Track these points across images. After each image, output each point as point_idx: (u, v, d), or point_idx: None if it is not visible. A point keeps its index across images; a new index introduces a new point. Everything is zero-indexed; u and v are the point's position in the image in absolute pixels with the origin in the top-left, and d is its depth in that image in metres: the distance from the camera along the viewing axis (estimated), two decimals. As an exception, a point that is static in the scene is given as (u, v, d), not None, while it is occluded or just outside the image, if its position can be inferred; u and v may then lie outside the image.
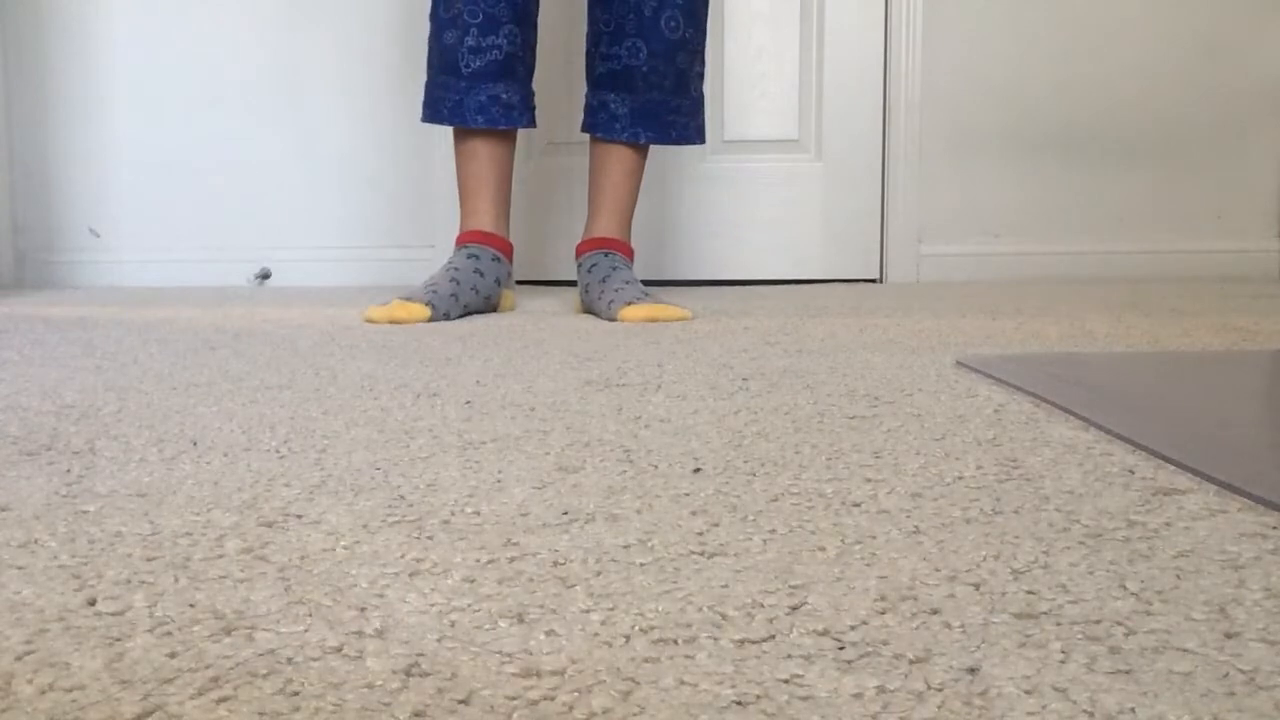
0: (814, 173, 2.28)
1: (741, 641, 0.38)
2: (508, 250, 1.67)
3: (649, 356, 1.11)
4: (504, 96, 1.60)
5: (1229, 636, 0.38)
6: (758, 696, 0.34)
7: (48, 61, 2.33)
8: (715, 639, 0.38)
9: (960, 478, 0.60)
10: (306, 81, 2.31)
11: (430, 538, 0.50)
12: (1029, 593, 0.42)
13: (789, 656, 0.37)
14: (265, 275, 2.33)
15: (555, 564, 0.46)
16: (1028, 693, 0.34)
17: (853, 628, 0.39)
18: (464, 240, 1.65)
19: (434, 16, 1.62)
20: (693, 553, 0.48)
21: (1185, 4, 2.24)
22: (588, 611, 0.41)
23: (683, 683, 0.35)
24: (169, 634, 0.39)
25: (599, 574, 0.45)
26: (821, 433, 0.73)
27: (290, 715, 0.32)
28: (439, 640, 0.38)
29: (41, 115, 2.34)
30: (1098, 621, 0.39)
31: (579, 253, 1.69)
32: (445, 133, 2.17)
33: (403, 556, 0.47)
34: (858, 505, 0.55)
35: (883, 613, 0.40)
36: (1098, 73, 2.25)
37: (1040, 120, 2.27)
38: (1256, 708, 0.32)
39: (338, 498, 0.57)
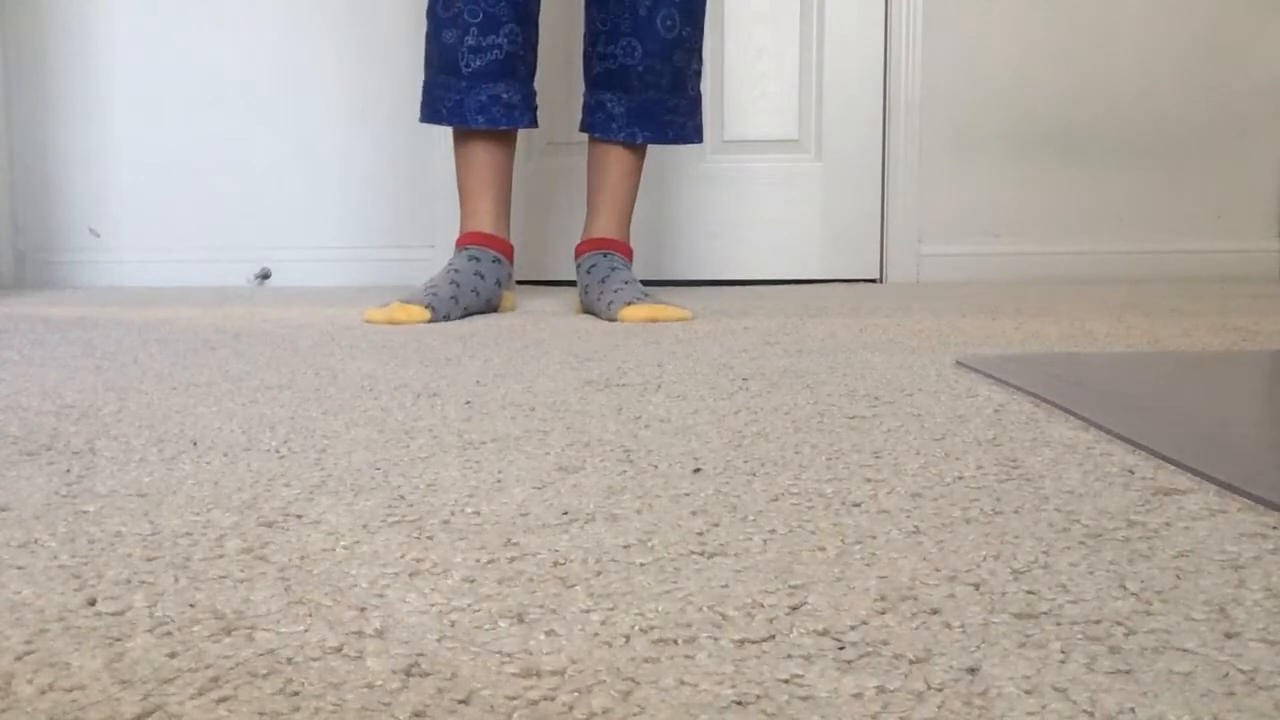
0: (814, 173, 2.28)
1: (741, 641, 0.38)
2: (508, 251, 1.67)
3: (649, 356, 1.11)
4: (505, 96, 1.60)
5: (1229, 636, 0.38)
6: (758, 696, 0.34)
7: (48, 61, 2.33)
8: (715, 639, 0.38)
9: (960, 478, 0.60)
10: (306, 81, 2.31)
11: (430, 538, 0.50)
12: (1029, 593, 0.42)
13: (789, 656, 0.37)
14: (265, 275, 2.33)
15: (555, 564, 0.46)
16: (1028, 693, 0.34)
17: (853, 628, 0.39)
18: (464, 241, 1.65)
19: (431, 15, 1.61)
20: (693, 553, 0.48)
21: (1185, 4, 2.24)
22: (588, 611, 0.41)
23: (683, 683, 0.35)
24: (169, 634, 0.39)
25: (599, 574, 0.45)
26: (821, 433, 0.73)
27: (290, 715, 0.32)
28: (439, 640, 0.38)
29: (41, 115, 2.34)
30: (1098, 621, 0.39)
31: (578, 253, 1.69)
32: (445, 132, 2.17)
33: (403, 556, 0.47)
34: (858, 505, 0.55)
35: (883, 613, 0.40)
36: (1098, 73, 2.25)
37: (1040, 120, 2.27)
38: (1256, 708, 0.32)
39: (338, 498, 0.57)
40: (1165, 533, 0.50)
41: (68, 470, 0.64)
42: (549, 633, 0.39)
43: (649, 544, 0.49)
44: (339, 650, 0.37)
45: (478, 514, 0.54)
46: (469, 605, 0.41)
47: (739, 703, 0.33)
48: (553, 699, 0.33)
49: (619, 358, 1.10)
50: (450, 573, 0.45)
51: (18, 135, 2.35)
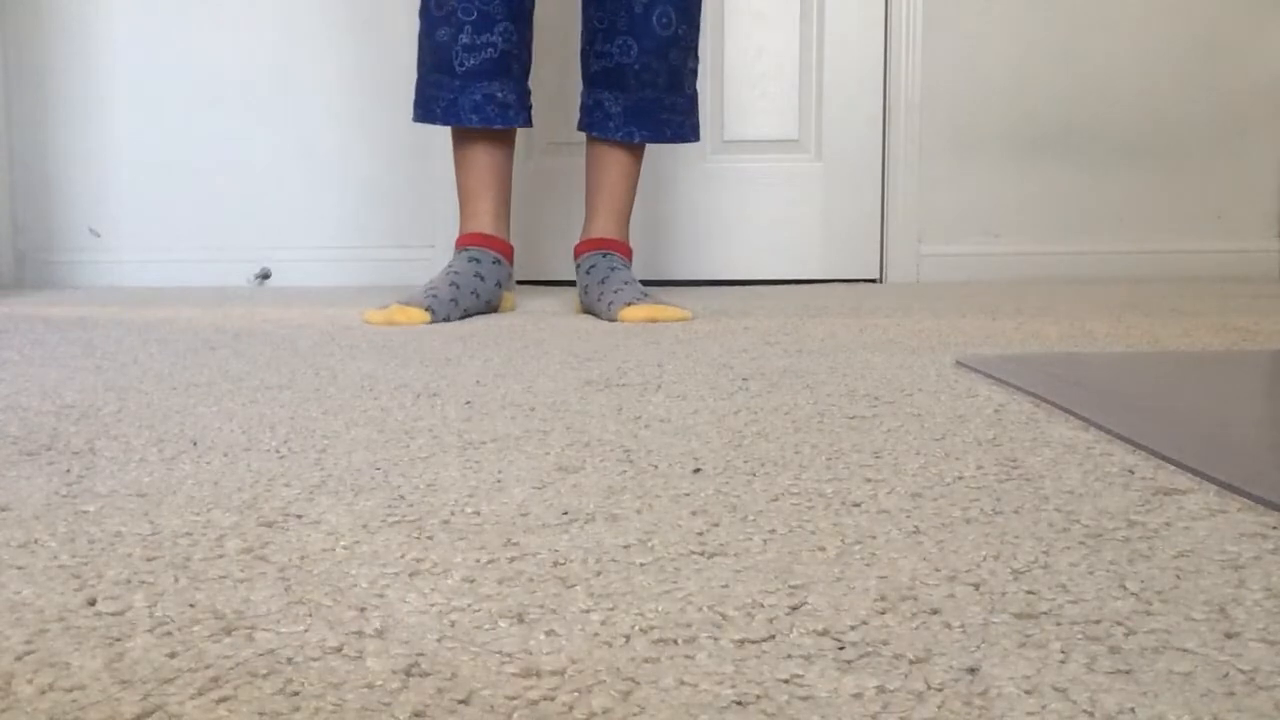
0: (814, 173, 2.28)
1: (741, 641, 0.38)
2: (508, 252, 1.66)
3: (649, 356, 1.11)
4: (499, 95, 1.59)
5: (1229, 636, 0.38)
6: (758, 696, 0.34)
7: (48, 61, 2.33)
8: (715, 639, 0.38)
9: (960, 478, 0.60)
10: (306, 81, 2.31)
11: (430, 538, 0.50)
12: (1029, 593, 0.42)
13: (789, 656, 0.37)
14: (265, 275, 2.33)
15: (555, 564, 0.46)
16: (1028, 693, 0.34)
17: (853, 628, 0.39)
18: (464, 243, 1.64)
19: (424, 14, 1.60)
20: (693, 553, 0.48)
21: (1185, 4, 2.24)
22: (588, 611, 0.41)
23: (683, 683, 0.35)
24: (169, 634, 0.39)
25: (599, 574, 0.45)
26: (821, 433, 0.73)
27: (290, 715, 0.32)
28: (439, 640, 0.38)
29: (41, 115, 2.34)
30: (1098, 621, 0.39)
31: (577, 253, 1.69)
32: (445, 132, 2.17)
33: (403, 556, 0.47)
34: (858, 505, 0.55)
35: (883, 613, 0.40)
36: (1098, 73, 2.26)
37: (1040, 120, 2.27)
38: (1256, 708, 0.32)
39: (338, 498, 0.57)
40: (1165, 533, 0.50)
41: (68, 470, 0.64)
42: (549, 633, 0.39)
43: (649, 544, 0.49)
44: (339, 650, 0.37)
45: (478, 514, 0.54)
46: (469, 605, 0.41)
47: (739, 703, 0.33)
48: (553, 699, 0.33)
49: (619, 358, 1.10)
50: (450, 573, 0.45)
51: (18, 135, 2.35)
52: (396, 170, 2.32)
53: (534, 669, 0.36)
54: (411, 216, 2.33)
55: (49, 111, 2.34)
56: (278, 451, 0.69)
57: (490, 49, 1.57)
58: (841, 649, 0.37)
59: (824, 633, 0.38)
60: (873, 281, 2.29)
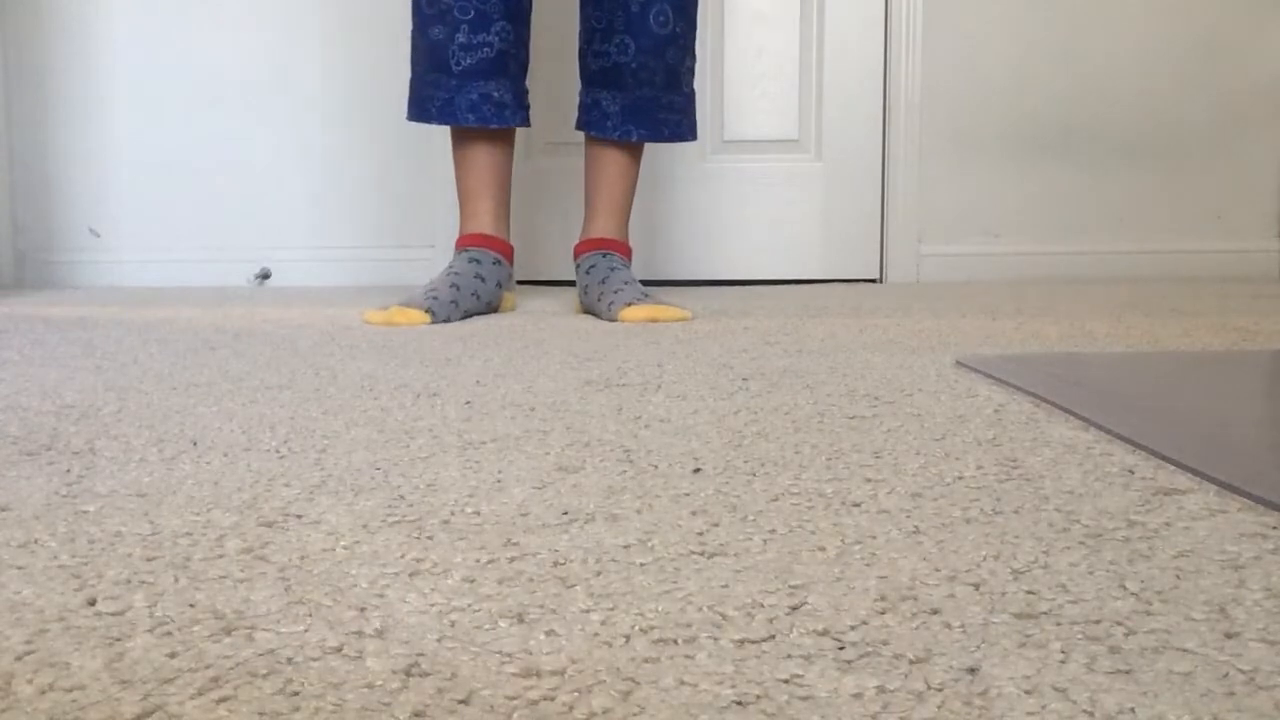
0: (814, 173, 2.28)
1: (741, 641, 0.38)
2: (508, 252, 1.66)
3: (649, 356, 1.11)
4: (496, 95, 1.59)
5: (1229, 636, 0.38)
6: (758, 696, 0.34)
7: (48, 61, 2.33)
8: (715, 639, 0.38)
9: (960, 478, 0.60)
10: (306, 81, 2.31)
11: (430, 538, 0.50)
12: (1029, 593, 0.42)
13: (789, 656, 0.37)
14: (265, 275, 2.33)
15: (555, 564, 0.46)
16: (1028, 693, 0.34)
17: (853, 628, 0.39)
18: (464, 243, 1.64)
19: (416, 12, 1.59)
20: (693, 553, 0.48)
21: (1185, 4, 2.24)
22: (588, 611, 0.41)
23: (683, 683, 0.35)
24: (169, 634, 0.39)
25: (599, 574, 0.45)
26: (821, 433, 0.73)
27: (290, 715, 0.32)
28: (439, 640, 0.38)
29: (41, 115, 2.34)
30: (1098, 621, 0.39)
31: (577, 253, 1.69)
32: (445, 132, 2.17)
33: (403, 556, 0.47)
34: (858, 505, 0.55)
35: (883, 613, 0.40)
36: (1098, 73, 2.26)
37: (1040, 120, 2.27)
38: (1256, 708, 0.32)
39: (338, 498, 0.57)
40: (1165, 533, 0.50)
41: (68, 470, 0.64)
42: (549, 633, 0.39)
43: (649, 544, 0.49)
44: (339, 650, 0.37)
45: (478, 514, 0.54)
46: (469, 605, 0.41)
47: (739, 703, 0.33)
48: (553, 699, 0.33)
49: (619, 358, 1.10)
50: (450, 573, 0.45)
51: (18, 135, 2.35)
52: (396, 170, 2.32)
53: (534, 669, 0.36)
54: (411, 216, 2.33)
55: (49, 111, 2.34)
56: (278, 451, 0.69)
57: (487, 48, 1.57)
58: (841, 649, 0.37)
59: (824, 633, 0.38)
60: (873, 281, 2.29)
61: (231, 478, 0.62)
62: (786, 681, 0.35)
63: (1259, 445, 0.66)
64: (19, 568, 0.46)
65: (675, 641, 0.38)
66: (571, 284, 2.27)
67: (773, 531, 0.51)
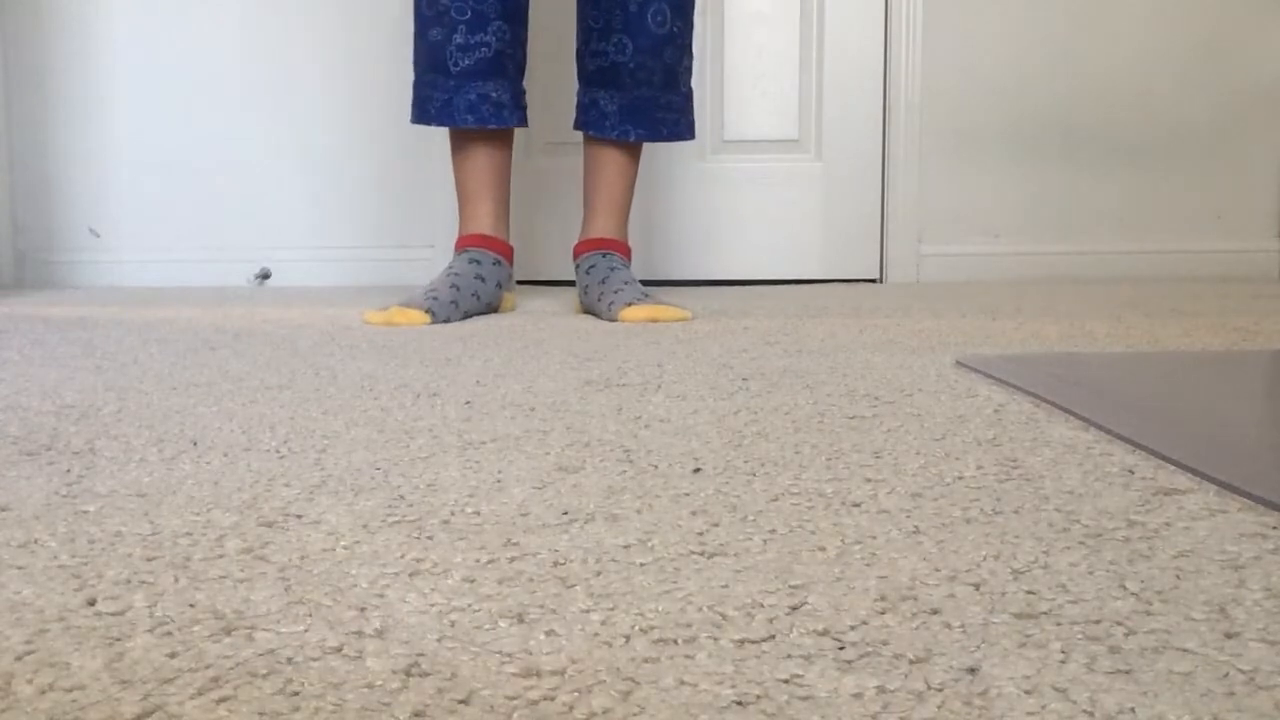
0: (814, 173, 2.28)
1: (741, 641, 0.38)
2: (508, 253, 1.66)
3: (649, 356, 1.11)
4: (494, 95, 1.59)
5: (1229, 636, 0.38)
6: (758, 696, 0.34)
7: (48, 61, 2.33)
8: (715, 639, 0.38)
9: (960, 478, 0.60)
10: (307, 81, 2.31)
11: (430, 538, 0.50)
12: (1029, 593, 0.42)
13: (789, 656, 0.37)
14: (265, 275, 2.33)
15: (555, 564, 0.46)
16: (1028, 693, 0.34)
17: (853, 628, 0.39)
18: (464, 244, 1.64)
19: (417, 14, 1.60)
20: (693, 553, 0.48)
21: (1185, 4, 2.24)
22: (588, 611, 0.41)
23: (683, 683, 0.35)
24: (169, 634, 0.39)
25: (599, 574, 0.45)
26: (821, 433, 0.73)
27: (290, 715, 0.32)
28: (439, 640, 0.38)
29: (41, 115, 2.34)
30: (1098, 621, 0.39)
31: (576, 253, 1.68)
32: (445, 132, 2.17)
33: (403, 556, 0.47)
34: (858, 505, 0.55)
35: (883, 613, 0.40)
36: (1098, 73, 2.25)
37: (1040, 120, 2.27)
38: (1256, 708, 0.32)
39: (338, 498, 0.57)
40: (1165, 533, 0.50)
41: (68, 470, 0.64)
42: (549, 633, 0.39)
43: (649, 544, 0.49)
44: (339, 650, 0.37)
45: (478, 514, 0.54)
46: (469, 605, 0.41)
47: (739, 703, 0.33)
48: (553, 699, 0.33)
49: (619, 358, 1.10)
50: (450, 573, 0.45)
51: (18, 135, 2.35)
52: (396, 170, 2.32)
53: (534, 669, 0.36)
54: (411, 216, 2.33)
55: (49, 111, 2.34)
56: (278, 451, 0.69)
57: (484, 49, 1.57)
58: (841, 649, 0.37)
59: (824, 633, 0.38)
60: (873, 281, 2.29)
61: (231, 478, 0.62)
62: (786, 681, 0.35)
63: (1259, 445, 0.66)
64: (19, 568, 0.46)
65: (675, 641, 0.38)
66: (571, 284, 2.27)
67: (773, 531, 0.51)
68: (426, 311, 1.48)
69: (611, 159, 1.67)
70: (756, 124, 2.27)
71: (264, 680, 0.35)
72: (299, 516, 0.54)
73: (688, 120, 1.69)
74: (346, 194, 2.33)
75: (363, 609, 0.41)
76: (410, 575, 0.45)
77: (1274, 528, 0.50)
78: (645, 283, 2.28)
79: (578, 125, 1.68)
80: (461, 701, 0.33)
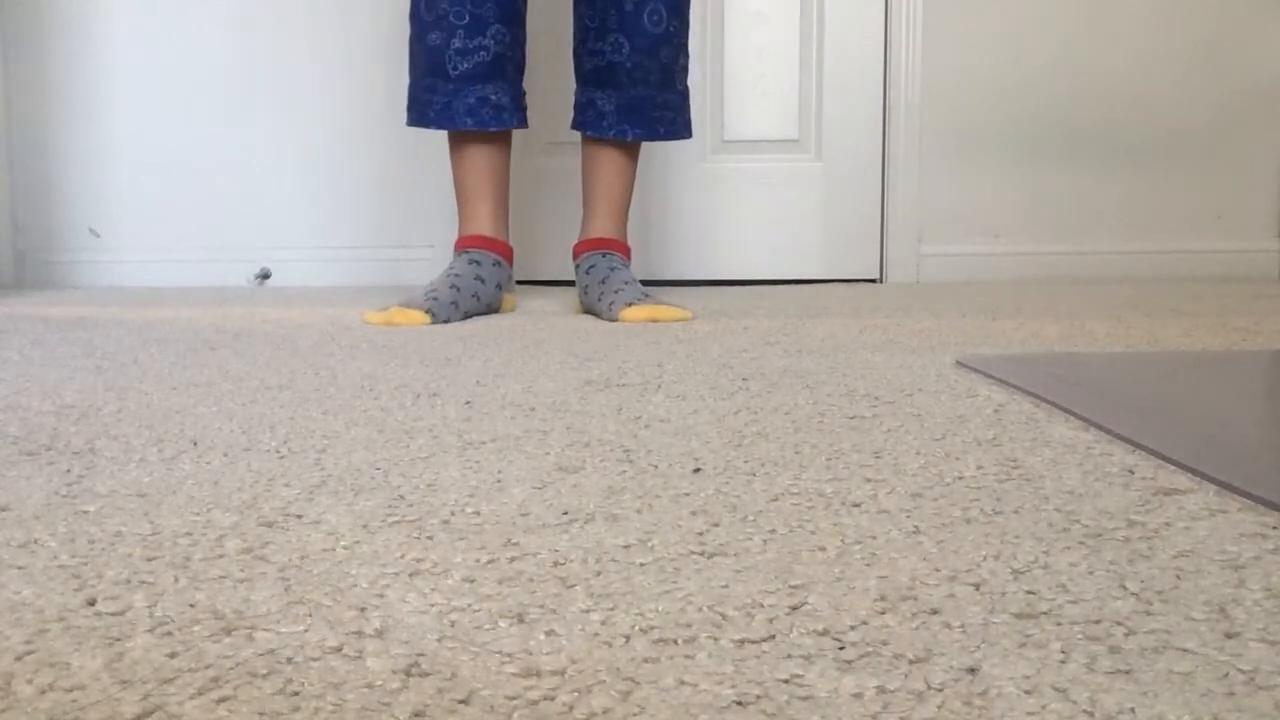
0: (814, 173, 2.28)
1: (741, 641, 0.38)
2: (508, 254, 1.66)
3: (649, 356, 1.11)
4: (493, 98, 1.59)
5: (1229, 636, 0.38)
6: (758, 696, 0.34)
7: (48, 61, 2.33)
8: (715, 639, 0.38)
9: (960, 478, 0.60)
10: (307, 81, 2.31)
11: (430, 538, 0.50)
12: (1029, 593, 0.42)
13: (789, 656, 0.37)
14: (265, 275, 2.33)
15: (555, 564, 0.46)
16: (1028, 693, 0.34)
17: (853, 628, 0.39)
18: (464, 245, 1.64)
19: (415, 18, 1.60)
20: (693, 553, 0.48)
21: (1185, 4, 2.24)
22: (588, 611, 0.41)
23: (683, 683, 0.35)
24: (169, 634, 0.39)
25: (599, 574, 0.45)
26: (821, 433, 0.73)
27: (290, 715, 0.32)
28: (439, 640, 0.38)
29: (41, 115, 2.34)
30: (1098, 621, 0.39)
31: (576, 253, 1.69)
32: (443, 133, 2.17)
33: (403, 556, 0.47)
34: (858, 505, 0.55)
35: (883, 613, 0.40)
36: (1098, 72, 2.25)
37: (1040, 120, 2.27)
38: (1256, 708, 0.32)
39: (338, 498, 0.57)
40: (1165, 533, 0.50)
41: (68, 470, 0.64)
42: (549, 633, 0.39)
43: (649, 544, 0.49)
44: (339, 650, 0.37)
45: (478, 514, 0.54)
46: (469, 605, 0.41)
47: (739, 703, 0.33)
48: (553, 699, 0.33)
49: (619, 358, 1.10)
50: (450, 573, 0.45)
51: (18, 135, 2.35)
52: (396, 170, 2.32)
53: (534, 669, 0.36)
54: (411, 216, 2.33)
55: (49, 111, 2.34)
56: (278, 451, 0.69)
57: (483, 52, 1.57)
58: (841, 649, 0.37)
59: (824, 633, 0.38)
60: (873, 281, 2.29)
61: (231, 478, 0.62)
62: (786, 681, 0.35)
63: (1259, 445, 0.66)
64: (19, 568, 0.46)
65: (675, 641, 0.38)
66: (571, 284, 2.27)
67: (773, 531, 0.51)
68: (426, 312, 1.48)
69: (610, 158, 1.67)
70: (756, 124, 2.27)
71: (264, 680, 0.35)
72: (299, 516, 0.54)
73: (685, 119, 1.69)
74: (346, 194, 2.33)
75: (363, 609, 0.41)
76: (410, 575, 0.45)
77: (1274, 528, 0.50)
78: (645, 283, 2.28)
79: (575, 125, 1.68)
80: (461, 701, 0.33)
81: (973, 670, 0.35)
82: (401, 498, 0.57)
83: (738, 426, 0.75)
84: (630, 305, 1.50)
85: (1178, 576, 0.44)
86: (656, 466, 0.64)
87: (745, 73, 2.26)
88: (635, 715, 0.32)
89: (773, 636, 0.38)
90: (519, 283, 2.33)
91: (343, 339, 1.29)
